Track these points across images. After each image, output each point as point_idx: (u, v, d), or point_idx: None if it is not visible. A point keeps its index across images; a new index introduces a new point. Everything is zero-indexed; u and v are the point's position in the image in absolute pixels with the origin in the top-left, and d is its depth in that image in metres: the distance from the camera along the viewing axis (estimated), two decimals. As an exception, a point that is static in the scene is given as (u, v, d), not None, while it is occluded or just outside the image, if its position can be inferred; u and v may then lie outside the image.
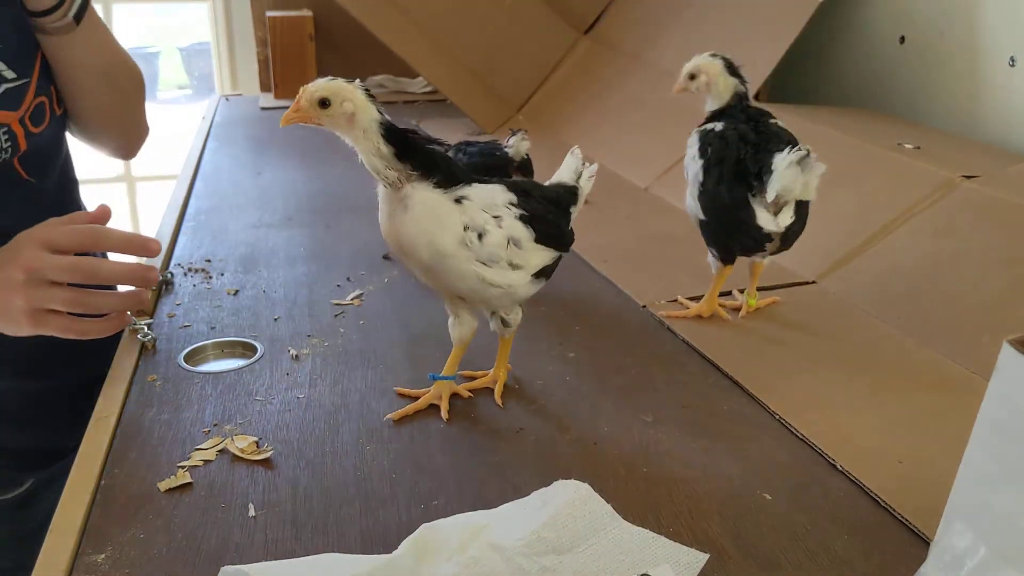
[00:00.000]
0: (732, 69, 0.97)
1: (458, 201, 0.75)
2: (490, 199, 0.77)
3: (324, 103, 0.73)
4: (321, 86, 0.74)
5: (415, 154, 0.74)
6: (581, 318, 1.02)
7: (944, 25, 1.43)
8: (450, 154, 1.08)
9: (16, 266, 0.74)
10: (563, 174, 0.85)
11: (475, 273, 0.76)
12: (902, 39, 1.51)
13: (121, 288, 0.85)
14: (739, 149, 0.92)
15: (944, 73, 1.44)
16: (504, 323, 0.82)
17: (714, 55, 0.97)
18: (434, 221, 0.74)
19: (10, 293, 0.75)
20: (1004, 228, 1.00)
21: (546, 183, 0.84)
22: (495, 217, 0.76)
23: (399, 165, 0.74)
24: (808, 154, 0.87)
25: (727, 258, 0.99)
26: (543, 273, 0.80)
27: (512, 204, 0.77)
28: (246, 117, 2.00)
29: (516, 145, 1.05)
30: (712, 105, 0.98)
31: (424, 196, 0.75)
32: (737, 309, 1.02)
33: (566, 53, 1.97)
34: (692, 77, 0.98)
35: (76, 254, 0.79)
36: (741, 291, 1.06)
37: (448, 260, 0.75)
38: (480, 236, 0.75)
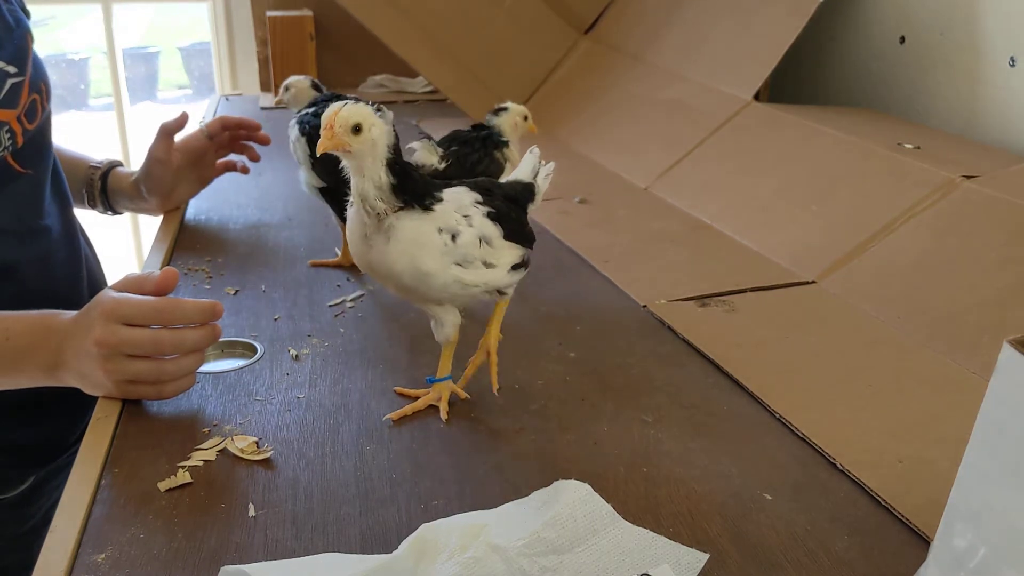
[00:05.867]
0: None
1: (431, 209, 0.75)
2: (458, 200, 0.77)
3: (357, 129, 0.71)
4: (353, 111, 0.70)
5: (412, 188, 0.74)
6: (581, 318, 1.02)
7: (944, 25, 1.43)
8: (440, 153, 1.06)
9: (91, 340, 0.76)
10: (520, 172, 0.85)
11: (454, 277, 0.76)
12: (902, 39, 1.51)
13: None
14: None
15: (944, 73, 1.44)
16: (500, 292, 0.81)
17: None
18: (419, 247, 0.74)
19: (91, 364, 0.77)
20: (1004, 228, 1.00)
21: (502, 180, 0.85)
22: (465, 216, 0.76)
23: (392, 197, 0.73)
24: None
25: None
26: (517, 267, 0.81)
27: (478, 203, 0.77)
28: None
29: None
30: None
31: (409, 225, 0.74)
32: None
33: (566, 53, 1.97)
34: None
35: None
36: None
37: (430, 278, 0.75)
38: (453, 237, 0.75)
